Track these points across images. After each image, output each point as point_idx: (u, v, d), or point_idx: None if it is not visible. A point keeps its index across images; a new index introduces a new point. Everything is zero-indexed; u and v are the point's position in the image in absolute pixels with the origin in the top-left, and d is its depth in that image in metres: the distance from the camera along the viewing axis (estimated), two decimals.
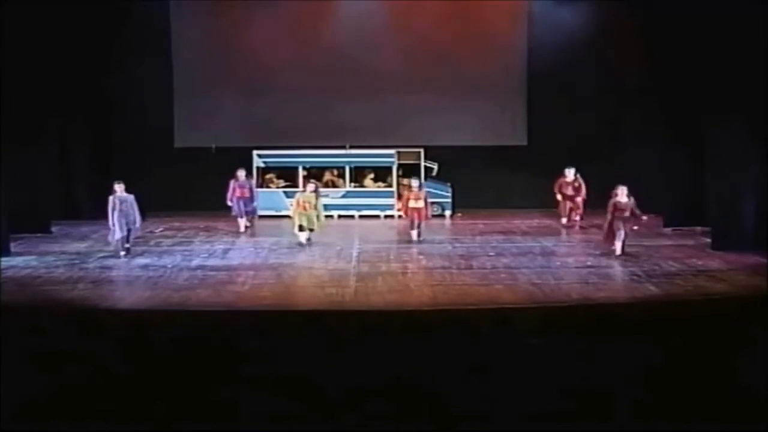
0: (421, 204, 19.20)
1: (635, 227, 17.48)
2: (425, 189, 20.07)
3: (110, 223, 17.00)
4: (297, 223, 18.43)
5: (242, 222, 20.42)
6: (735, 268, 15.64)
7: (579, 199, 20.84)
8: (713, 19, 16.93)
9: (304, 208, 18.36)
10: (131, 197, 17.21)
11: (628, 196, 16.93)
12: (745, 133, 17.09)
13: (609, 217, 16.89)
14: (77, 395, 9.12)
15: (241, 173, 20.58)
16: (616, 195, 16.93)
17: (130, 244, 17.28)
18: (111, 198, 17.05)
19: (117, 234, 16.95)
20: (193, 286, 14.54)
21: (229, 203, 20.37)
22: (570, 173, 20.85)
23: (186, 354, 10.28)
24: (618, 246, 16.73)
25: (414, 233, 19.14)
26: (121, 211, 16.91)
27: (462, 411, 8.79)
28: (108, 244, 17.42)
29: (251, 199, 20.67)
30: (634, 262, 16.18)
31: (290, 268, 16.37)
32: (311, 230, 18.45)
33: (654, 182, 20.93)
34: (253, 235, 20.03)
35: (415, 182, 20.02)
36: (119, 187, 17.15)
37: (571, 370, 9.76)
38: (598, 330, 11.87)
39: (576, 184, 20.84)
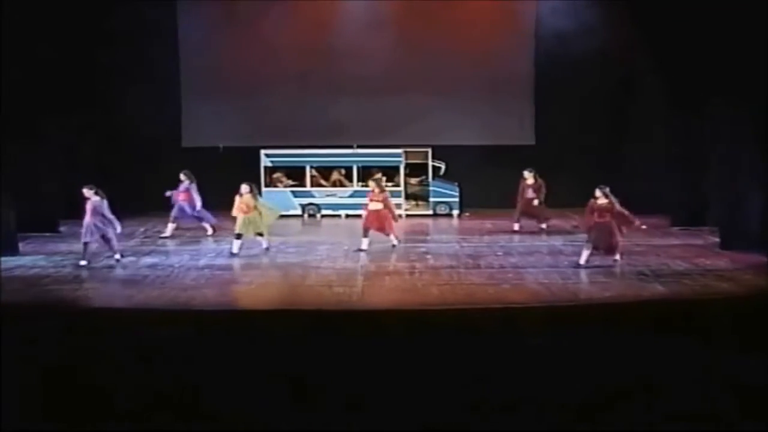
0: (379, 206, 17.55)
1: (624, 230, 15.93)
2: (387, 192, 18.10)
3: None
4: (237, 230, 17.34)
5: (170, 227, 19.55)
6: (742, 267, 15.62)
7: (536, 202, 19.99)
8: (719, 19, 16.92)
9: (245, 212, 17.35)
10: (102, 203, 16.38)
11: (607, 195, 15.59)
12: (752, 132, 17.05)
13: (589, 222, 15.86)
14: (82, 395, 9.13)
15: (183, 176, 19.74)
16: (595, 198, 15.69)
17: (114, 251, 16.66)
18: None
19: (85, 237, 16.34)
20: (200, 286, 14.57)
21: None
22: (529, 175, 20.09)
23: (193, 353, 10.29)
24: (585, 255, 15.65)
25: (365, 242, 17.49)
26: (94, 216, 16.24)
27: (466, 409, 8.81)
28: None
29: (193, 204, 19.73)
30: (642, 262, 16.15)
31: (297, 267, 16.38)
32: (260, 234, 17.54)
33: (662, 182, 20.91)
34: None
35: (372, 183, 18.31)
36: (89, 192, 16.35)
37: (578, 369, 9.75)
38: (605, 329, 11.86)
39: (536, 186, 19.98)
